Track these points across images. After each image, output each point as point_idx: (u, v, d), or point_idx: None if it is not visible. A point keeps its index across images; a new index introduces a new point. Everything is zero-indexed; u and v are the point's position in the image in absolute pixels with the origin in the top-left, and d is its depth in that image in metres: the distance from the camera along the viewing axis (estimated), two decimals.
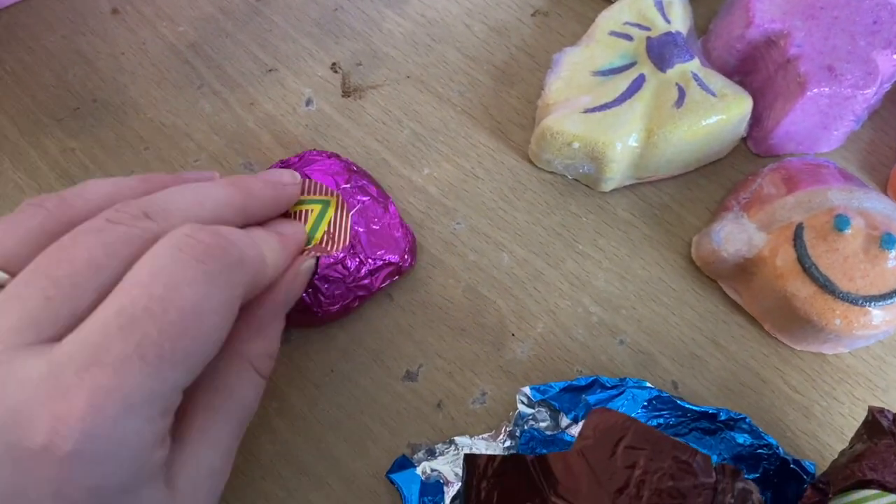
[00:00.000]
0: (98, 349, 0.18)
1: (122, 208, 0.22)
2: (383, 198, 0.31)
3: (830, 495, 0.25)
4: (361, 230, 0.30)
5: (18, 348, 0.18)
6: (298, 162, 0.32)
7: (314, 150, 0.33)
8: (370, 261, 0.30)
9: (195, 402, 0.23)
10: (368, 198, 0.31)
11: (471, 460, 0.25)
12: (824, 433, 0.30)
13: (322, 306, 0.29)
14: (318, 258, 0.29)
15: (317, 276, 0.29)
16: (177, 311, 0.19)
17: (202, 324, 0.20)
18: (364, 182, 0.31)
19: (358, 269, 0.29)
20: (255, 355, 0.25)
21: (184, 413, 0.23)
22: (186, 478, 0.22)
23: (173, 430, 0.22)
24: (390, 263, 0.30)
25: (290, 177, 0.29)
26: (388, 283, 0.31)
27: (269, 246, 0.25)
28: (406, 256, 0.31)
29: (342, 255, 0.29)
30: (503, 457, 0.24)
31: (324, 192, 0.30)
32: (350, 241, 0.29)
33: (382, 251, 0.30)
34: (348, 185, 0.31)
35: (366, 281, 0.30)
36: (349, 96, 0.36)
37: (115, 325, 0.18)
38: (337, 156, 0.32)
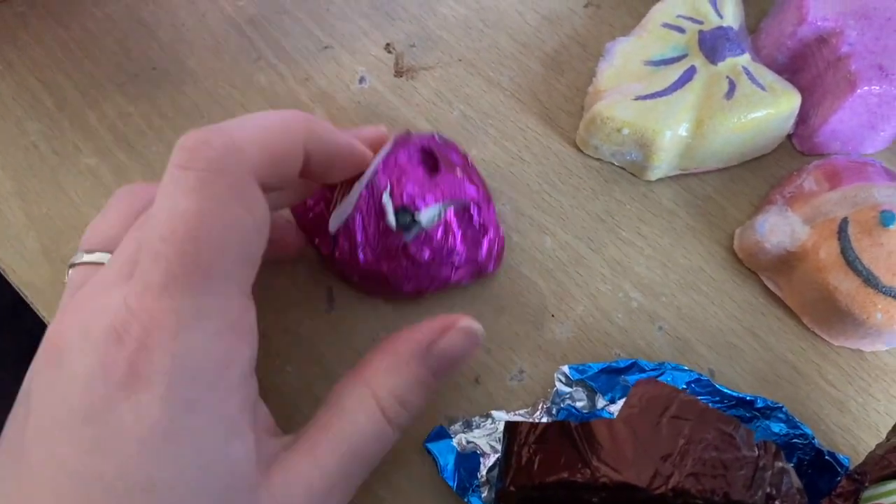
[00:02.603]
0: (145, 279, 0.20)
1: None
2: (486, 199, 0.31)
3: (867, 484, 0.25)
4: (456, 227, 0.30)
5: (110, 287, 0.22)
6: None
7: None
8: (456, 256, 0.30)
9: (313, 420, 0.24)
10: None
11: (512, 427, 0.25)
12: (859, 429, 0.30)
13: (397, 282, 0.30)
14: (478, 332, 0.26)
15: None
16: (183, 225, 0.20)
17: (214, 226, 0.20)
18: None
19: (442, 255, 0.29)
20: (380, 390, 0.24)
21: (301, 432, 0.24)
22: (282, 477, 0.22)
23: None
24: (475, 262, 0.30)
25: (375, 131, 0.28)
26: (466, 280, 0.31)
27: (269, 117, 0.23)
28: (489, 261, 0.31)
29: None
30: (546, 424, 0.24)
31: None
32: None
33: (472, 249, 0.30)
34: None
35: (446, 271, 0.30)
36: (401, 76, 0.36)
37: (147, 259, 0.20)
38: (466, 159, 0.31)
